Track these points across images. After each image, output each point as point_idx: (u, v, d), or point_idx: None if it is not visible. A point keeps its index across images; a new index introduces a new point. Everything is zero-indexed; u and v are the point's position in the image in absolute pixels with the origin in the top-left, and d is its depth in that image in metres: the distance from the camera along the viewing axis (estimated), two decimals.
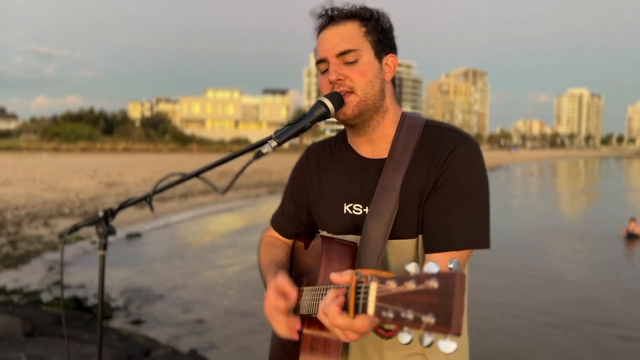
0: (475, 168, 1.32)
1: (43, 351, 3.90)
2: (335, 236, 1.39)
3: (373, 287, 0.88)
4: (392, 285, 0.84)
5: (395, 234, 1.32)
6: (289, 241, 1.64)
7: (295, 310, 1.35)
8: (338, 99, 1.32)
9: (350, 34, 1.32)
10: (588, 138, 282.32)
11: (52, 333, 4.78)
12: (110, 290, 8.12)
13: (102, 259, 1.36)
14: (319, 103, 1.30)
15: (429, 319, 0.77)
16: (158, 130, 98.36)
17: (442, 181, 1.30)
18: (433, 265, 0.81)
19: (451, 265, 0.80)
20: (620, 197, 26.67)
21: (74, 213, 15.59)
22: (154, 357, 4.87)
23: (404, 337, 0.84)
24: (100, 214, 1.34)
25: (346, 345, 1.41)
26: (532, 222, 17.05)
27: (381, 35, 1.35)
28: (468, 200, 1.29)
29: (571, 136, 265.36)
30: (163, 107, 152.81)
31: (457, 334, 0.75)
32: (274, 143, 1.23)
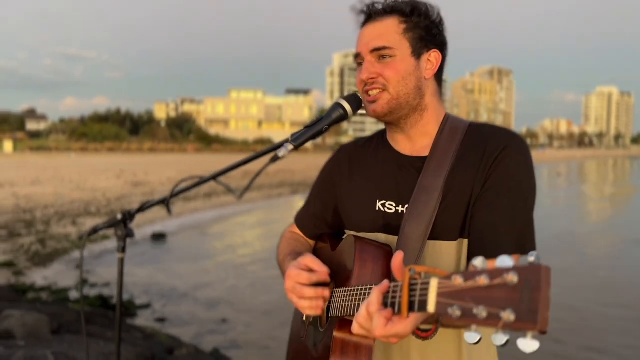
0: (526, 169, 1.25)
1: (68, 348, 3.97)
2: (366, 235, 1.34)
3: (434, 283, 0.82)
4: (458, 281, 0.77)
5: (434, 235, 1.26)
6: (312, 242, 1.60)
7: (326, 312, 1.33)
8: (356, 101, 1.30)
9: (386, 31, 1.28)
10: (618, 137, 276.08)
11: (77, 331, 4.86)
12: (135, 288, 8.24)
13: (121, 262, 1.37)
14: (337, 105, 1.28)
15: (508, 315, 0.70)
16: (183, 130, 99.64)
17: (493, 182, 1.24)
18: (506, 259, 0.75)
19: (532, 258, 0.73)
20: None
21: (100, 212, 15.87)
22: (177, 356, 4.90)
23: (472, 336, 0.77)
24: (119, 216, 1.35)
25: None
26: (559, 225, 16.72)
27: (423, 32, 1.29)
28: (519, 203, 1.23)
29: (600, 135, 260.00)
30: (188, 107, 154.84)
31: (544, 331, 0.69)
32: (290, 146, 1.21)
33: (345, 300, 1.19)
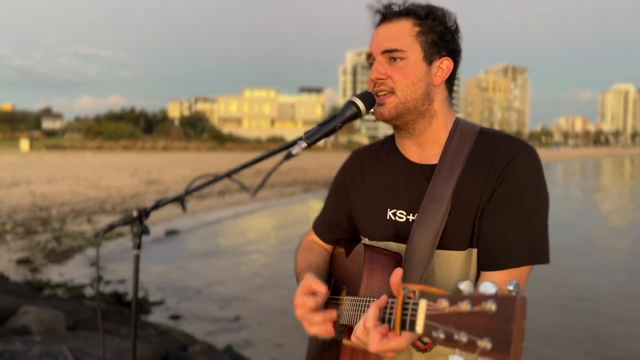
0: (536, 178, 1.25)
1: (84, 344, 4.01)
2: (378, 244, 1.35)
3: (422, 305, 0.85)
4: (444, 304, 0.80)
5: (442, 245, 1.27)
6: (329, 247, 1.61)
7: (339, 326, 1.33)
8: (369, 99, 1.30)
9: (399, 33, 1.28)
10: (634, 135, 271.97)
11: (93, 327, 4.92)
12: (149, 285, 8.31)
13: (137, 258, 1.39)
14: (350, 103, 1.28)
15: (485, 344, 0.73)
16: (196, 129, 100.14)
17: (501, 192, 1.23)
18: (490, 285, 0.76)
19: (510, 287, 0.76)
20: None
21: (115, 210, 16.02)
22: (191, 353, 4.94)
23: (455, 359, 0.80)
24: (135, 213, 1.36)
25: None
26: (573, 225, 16.54)
27: (436, 37, 1.29)
28: (529, 213, 1.22)
29: (616, 133, 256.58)
30: (201, 106, 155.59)
31: None
32: (303, 144, 1.22)
33: (353, 309, 1.21)
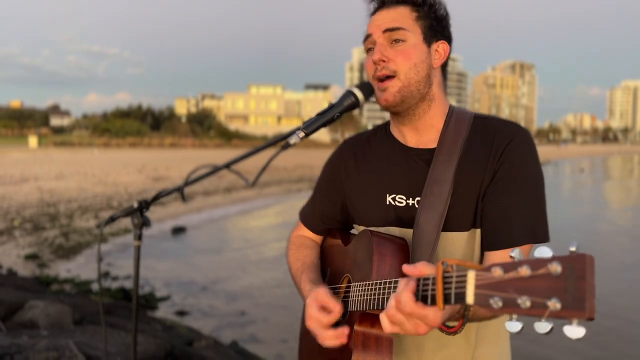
0: (533, 159, 1.29)
1: (90, 338, 4.04)
2: (379, 229, 1.34)
3: (471, 275, 0.85)
4: (498, 272, 0.80)
5: (447, 227, 1.29)
6: (319, 238, 1.61)
7: (344, 314, 1.33)
8: (368, 88, 1.30)
9: (400, 16, 1.31)
10: None
11: (99, 321, 4.95)
12: (156, 281, 8.35)
13: (137, 250, 1.39)
14: (348, 93, 1.29)
15: (554, 304, 0.72)
16: (203, 126, 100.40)
17: (501, 174, 1.27)
18: (546, 250, 0.77)
19: (573, 248, 0.75)
20: None
21: (122, 206, 16.10)
22: (196, 348, 4.96)
23: (514, 325, 0.80)
24: (135, 205, 1.37)
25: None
26: (581, 223, 16.45)
27: (434, 22, 1.33)
28: (529, 193, 1.27)
29: (625, 130, 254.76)
30: (208, 103, 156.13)
31: (591, 317, 0.71)
32: (301, 134, 1.22)
33: (366, 295, 1.20)
